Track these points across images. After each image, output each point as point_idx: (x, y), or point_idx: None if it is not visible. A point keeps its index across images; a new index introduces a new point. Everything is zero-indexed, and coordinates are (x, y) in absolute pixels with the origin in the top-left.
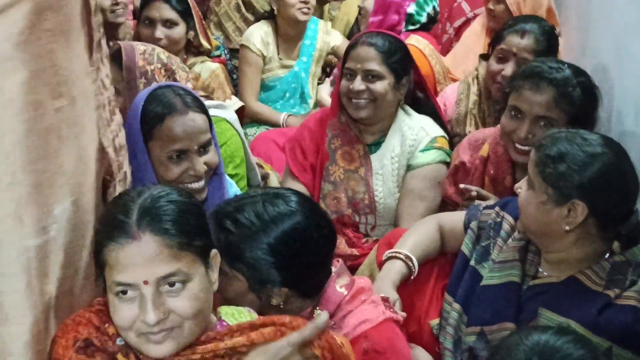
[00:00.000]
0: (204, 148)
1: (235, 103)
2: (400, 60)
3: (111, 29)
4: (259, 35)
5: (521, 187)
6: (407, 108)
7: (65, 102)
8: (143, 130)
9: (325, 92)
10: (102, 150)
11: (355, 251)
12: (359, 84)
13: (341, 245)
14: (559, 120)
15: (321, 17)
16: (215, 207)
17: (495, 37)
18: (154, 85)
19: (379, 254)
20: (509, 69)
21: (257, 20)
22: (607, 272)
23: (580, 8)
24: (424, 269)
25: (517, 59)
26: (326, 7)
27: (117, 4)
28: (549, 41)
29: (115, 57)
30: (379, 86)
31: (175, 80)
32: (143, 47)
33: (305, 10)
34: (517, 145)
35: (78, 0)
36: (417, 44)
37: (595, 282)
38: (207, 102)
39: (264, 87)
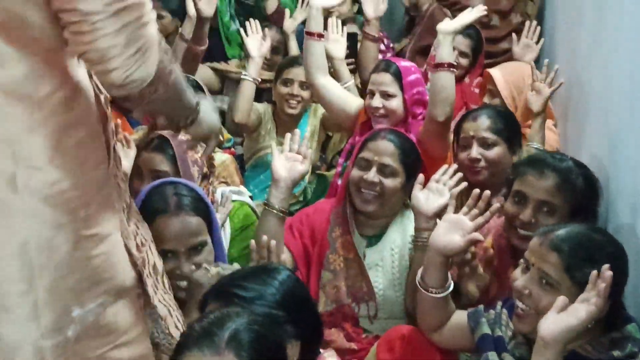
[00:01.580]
0: (195, 250)
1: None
2: (414, 162)
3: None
4: (262, 107)
5: (521, 283)
6: (409, 202)
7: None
8: None
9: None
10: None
11: (354, 345)
12: (373, 175)
13: (339, 339)
14: (561, 209)
15: None
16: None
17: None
18: (161, 180)
19: (379, 351)
20: (473, 151)
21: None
22: (607, 346)
23: (577, 105)
24: None
25: (476, 140)
26: None
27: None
28: (505, 120)
29: (163, 148)
30: (391, 183)
31: (212, 165)
32: (183, 136)
33: (292, 104)
34: (519, 230)
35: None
36: None
37: (596, 353)
38: (227, 188)
39: (263, 163)
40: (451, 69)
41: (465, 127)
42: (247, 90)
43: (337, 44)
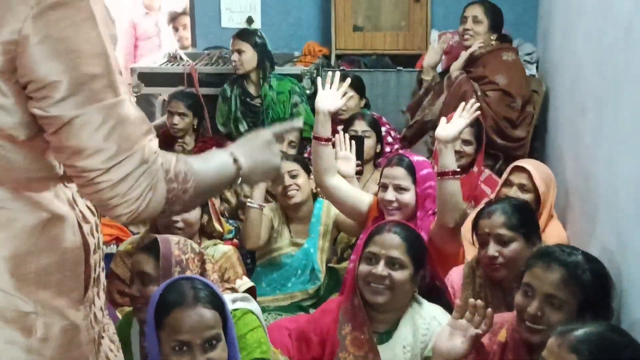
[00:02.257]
0: (209, 344)
1: (245, 283)
2: (421, 253)
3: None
4: (270, 211)
5: None
6: (418, 296)
7: None
8: (156, 318)
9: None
10: None
11: None
12: (381, 269)
13: None
14: (568, 303)
15: None
16: None
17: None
18: (178, 276)
19: None
20: (490, 249)
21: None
22: None
23: (583, 197)
24: None
25: (492, 237)
26: None
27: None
28: (520, 214)
29: (150, 248)
30: (400, 275)
31: (205, 269)
32: (177, 237)
33: (291, 193)
34: (527, 323)
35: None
36: None
37: None
38: (232, 295)
39: (277, 264)
40: (456, 176)
41: (481, 224)
42: (255, 217)
43: (347, 162)
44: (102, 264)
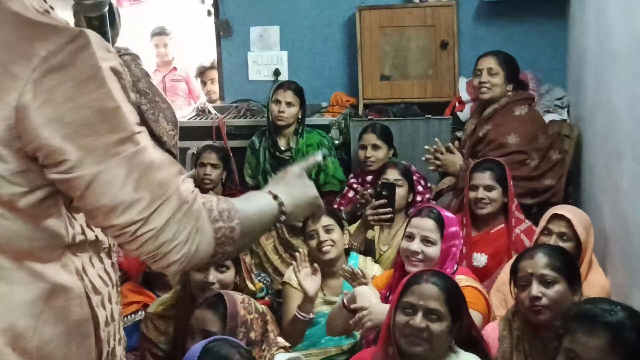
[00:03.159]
0: None
1: (282, 341)
2: (459, 304)
3: (161, 276)
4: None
5: None
6: (454, 346)
7: None
8: None
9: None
10: None
11: None
12: (419, 320)
13: None
14: None
15: (372, 254)
16: None
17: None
18: (214, 337)
19: None
20: (533, 290)
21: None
22: None
23: (623, 244)
24: None
25: (535, 278)
26: (377, 241)
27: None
28: (564, 257)
29: (216, 306)
30: (438, 327)
31: (267, 330)
32: (241, 296)
33: (326, 248)
34: None
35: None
36: (472, 282)
37: None
38: (286, 355)
39: (310, 323)
40: None
41: (522, 265)
42: (302, 327)
43: (311, 280)
44: (119, 335)
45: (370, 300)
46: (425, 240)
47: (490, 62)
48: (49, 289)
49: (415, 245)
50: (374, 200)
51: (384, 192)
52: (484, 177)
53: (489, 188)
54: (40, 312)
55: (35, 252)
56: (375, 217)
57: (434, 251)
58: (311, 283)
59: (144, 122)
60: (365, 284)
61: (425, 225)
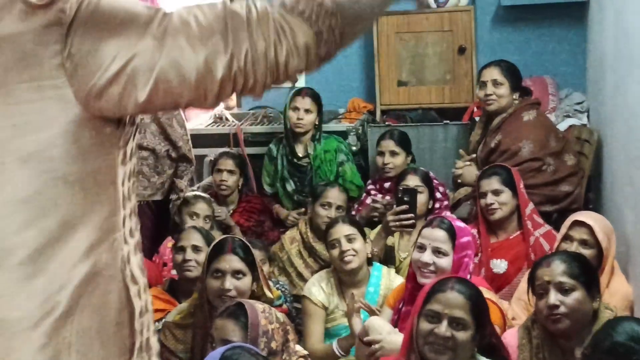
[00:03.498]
0: None
1: (300, 350)
2: (483, 312)
3: (187, 284)
4: (320, 286)
5: None
6: (476, 354)
7: None
8: None
9: None
10: None
11: None
12: (444, 329)
13: None
14: None
15: (391, 261)
16: None
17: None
18: (226, 346)
19: None
20: (551, 298)
21: (320, 267)
22: None
23: None
24: None
25: (553, 286)
26: (397, 248)
27: (185, 260)
28: (581, 263)
29: (236, 315)
30: (462, 336)
31: (287, 340)
32: (261, 305)
33: (348, 258)
34: None
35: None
36: (486, 293)
37: None
38: None
39: (329, 335)
40: None
41: (540, 273)
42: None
43: None
44: (153, 327)
45: (381, 332)
46: (437, 251)
47: (494, 74)
48: (93, 272)
49: (427, 256)
50: (395, 205)
51: (405, 198)
52: (491, 183)
53: (496, 192)
54: (81, 295)
55: (90, 228)
56: (397, 223)
57: (445, 262)
58: (359, 322)
59: (160, 127)
60: (377, 313)
61: (436, 235)
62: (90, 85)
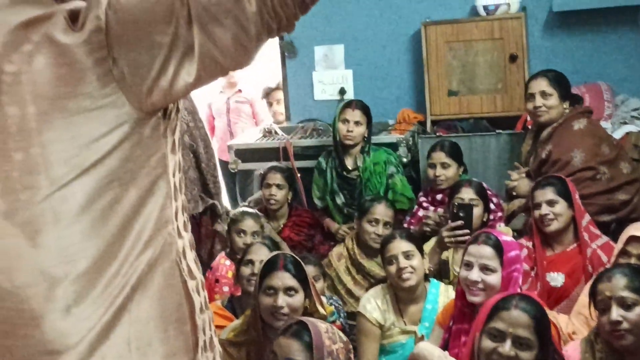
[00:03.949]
0: None
1: None
2: (547, 331)
3: (249, 299)
4: (375, 304)
5: None
6: None
7: None
8: None
9: None
10: None
11: None
12: (508, 349)
13: None
14: None
15: (446, 275)
16: None
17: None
18: None
19: None
20: (613, 314)
21: (370, 284)
22: None
23: None
24: None
25: (614, 301)
26: (451, 262)
27: (254, 274)
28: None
29: (300, 335)
30: (527, 356)
31: (350, 359)
32: (324, 325)
33: (406, 276)
34: None
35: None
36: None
37: None
38: None
39: (385, 351)
40: None
41: (601, 288)
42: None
43: None
44: (214, 327)
45: (432, 359)
46: (485, 269)
47: (541, 85)
48: (150, 265)
49: (475, 274)
50: (450, 221)
51: (460, 214)
52: (545, 193)
53: (551, 203)
54: (137, 290)
55: (145, 222)
56: (452, 239)
57: (494, 279)
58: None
59: (193, 139)
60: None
61: (483, 252)
62: (140, 85)
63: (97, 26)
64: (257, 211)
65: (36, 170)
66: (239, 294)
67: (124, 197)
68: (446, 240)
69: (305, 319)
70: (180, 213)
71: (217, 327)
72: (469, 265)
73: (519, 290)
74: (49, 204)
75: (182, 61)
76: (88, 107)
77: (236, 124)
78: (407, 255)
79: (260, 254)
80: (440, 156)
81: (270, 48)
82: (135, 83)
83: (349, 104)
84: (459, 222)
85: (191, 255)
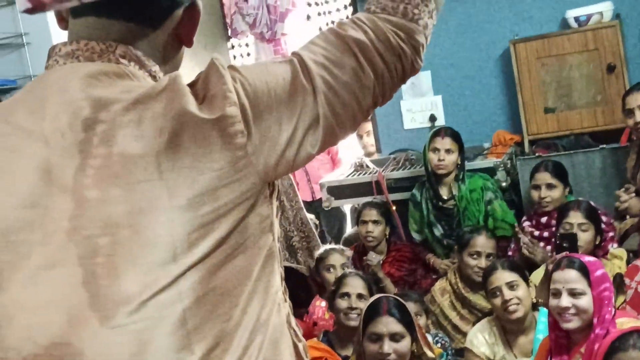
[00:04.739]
0: None
1: None
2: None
3: (345, 332)
4: (483, 338)
5: None
6: None
7: None
8: None
9: None
10: None
11: None
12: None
13: None
14: None
15: None
16: None
17: None
18: None
19: None
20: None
21: (477, 318)
22: None
23: None
24: None
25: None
26: None
27: (352, 308)
28: None
29: None
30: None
31: None
32: None
33: (512, 307)
34: None
35: None
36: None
37: None
38: None
39: None
40: None
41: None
42: None
43: None
44: None
45: None
46: (573, 293)
47: (639, 99)
48: (264, 332)
49: (565, 301)
50: (555, 253)
51: (564, 245)
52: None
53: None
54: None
55: (255, 290)
56: None
57: (585, 302)
58: None
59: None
60: None
61: (568, 277)
62: (269, 158)
63: (232, 101)
64: (341, 246)
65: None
66: (332, 328)
67: (241, 267)
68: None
69: None
70: (282, 279)
71: (315, 358)
72: (557, 294)
73: (611, 310)
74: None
75: (306, 133)
76: (224, 182)
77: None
78: (512, 286)
79: (356, 286)
80: (545, 177)
81: None
82: (266, 156)
83: (437, 132)
84: (564, 254)
85: (294, 320)
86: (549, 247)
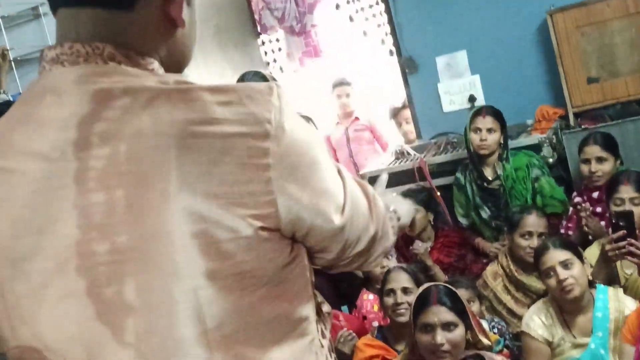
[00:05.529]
0: None
1: None
2: None
3: (398, 327)
4: (539, 320)
5: None
6: None
7: None
8: None
9: None
10: None
11: None
12: None
13: None
14: None
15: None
16: None
17: None
18: None
19: None
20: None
21: (532, 300)
22: None
23: None
24: None
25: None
26: (620, 265)
27: (398, 304)
28: None
29: None
30: None
31: None
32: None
33: (568, 287)
34: None
35: None
36: None
37: None
38: None
39: None
40: None
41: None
42: None
43: None
44: None
45: None
46: None
47: None
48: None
49: None
50: (610, 231)
51: (621, 223)
52: None
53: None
54: None
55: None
56: (616, 251)
57: None
58: None
59: None
60: None
61: None
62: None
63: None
64: None
65: None
66: (387, 323)
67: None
68: (610, 254)
69: (483, 353)
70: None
71: (373, 357)
72: None
73: None
74: None
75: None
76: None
77: (359, 154)
78: (566, 265)
79: (400, 280)
80: (594, 150)
81: (390, 67)
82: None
83: (478, 112)
84: (620, 233)
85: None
86: (602, 223)
